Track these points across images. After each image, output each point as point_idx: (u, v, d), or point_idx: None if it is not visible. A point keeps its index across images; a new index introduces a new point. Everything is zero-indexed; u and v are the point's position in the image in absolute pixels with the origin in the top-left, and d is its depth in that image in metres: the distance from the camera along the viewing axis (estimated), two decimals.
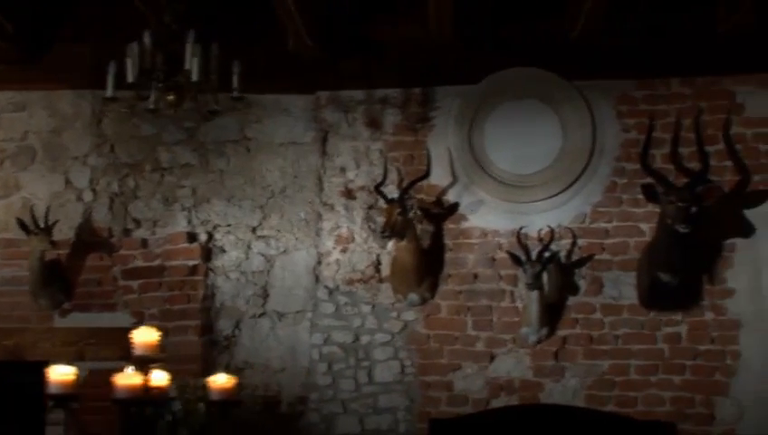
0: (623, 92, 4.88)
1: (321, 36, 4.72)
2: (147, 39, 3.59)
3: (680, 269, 4.50)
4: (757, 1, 4.28)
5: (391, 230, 4.54)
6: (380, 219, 4.79)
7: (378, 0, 4.68)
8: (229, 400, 3.87)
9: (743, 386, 4.56)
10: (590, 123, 4.85)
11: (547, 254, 4.58)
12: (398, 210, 4.59)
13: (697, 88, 4.84)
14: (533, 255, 4.56)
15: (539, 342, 4.72)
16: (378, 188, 4.77)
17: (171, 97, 3.65)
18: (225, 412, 3.88)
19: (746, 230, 4.68)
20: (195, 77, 3.53)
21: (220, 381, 3.90)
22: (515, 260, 4.58)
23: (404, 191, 4.69)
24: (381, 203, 4.81)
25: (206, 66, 3.63)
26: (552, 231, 4.72)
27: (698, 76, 4.82)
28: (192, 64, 3.51)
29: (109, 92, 3.62)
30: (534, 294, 4.54)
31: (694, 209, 4.30)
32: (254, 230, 5.08)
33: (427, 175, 4.85)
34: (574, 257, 4.79)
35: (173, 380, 4.01)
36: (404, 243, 4.66)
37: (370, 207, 4.92)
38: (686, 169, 4.64)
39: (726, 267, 4.68)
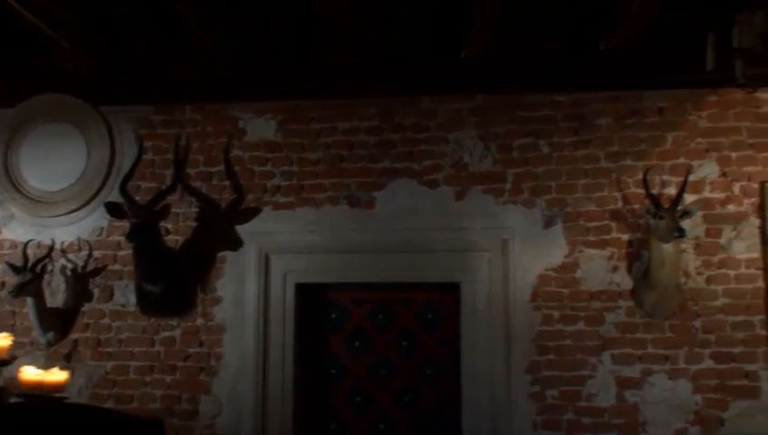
0: (144, 117, 5.36)
1: None
2: None
3: (152, 279, 4.98)
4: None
5: None
6: None
7: None
8: None
9: (222, 384, 5.02)
10: (109, 145, 5.32)
11: (40, 265, 5.03)
12: None
13: (207, 114, 5.32)
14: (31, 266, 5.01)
15: (51, 344, 5.17)
16: None
17: None
18: None
19: (236, 244, 5.16)
20: None
21: None
22: (13, 269, 5.01)
23: None
24: None
25: None
26: (52, 244, 5.20)
27: (208, 103, 5.32)
28: None
29: None
30: (30, 301, 4.99)
31: (140, 225, 4.78)
32: None
33: None
34: (90, 268, 5.25)
35: None
36: None
37: None
38: (190, 188, 5.16)
39: (217, 278, 5.15)
